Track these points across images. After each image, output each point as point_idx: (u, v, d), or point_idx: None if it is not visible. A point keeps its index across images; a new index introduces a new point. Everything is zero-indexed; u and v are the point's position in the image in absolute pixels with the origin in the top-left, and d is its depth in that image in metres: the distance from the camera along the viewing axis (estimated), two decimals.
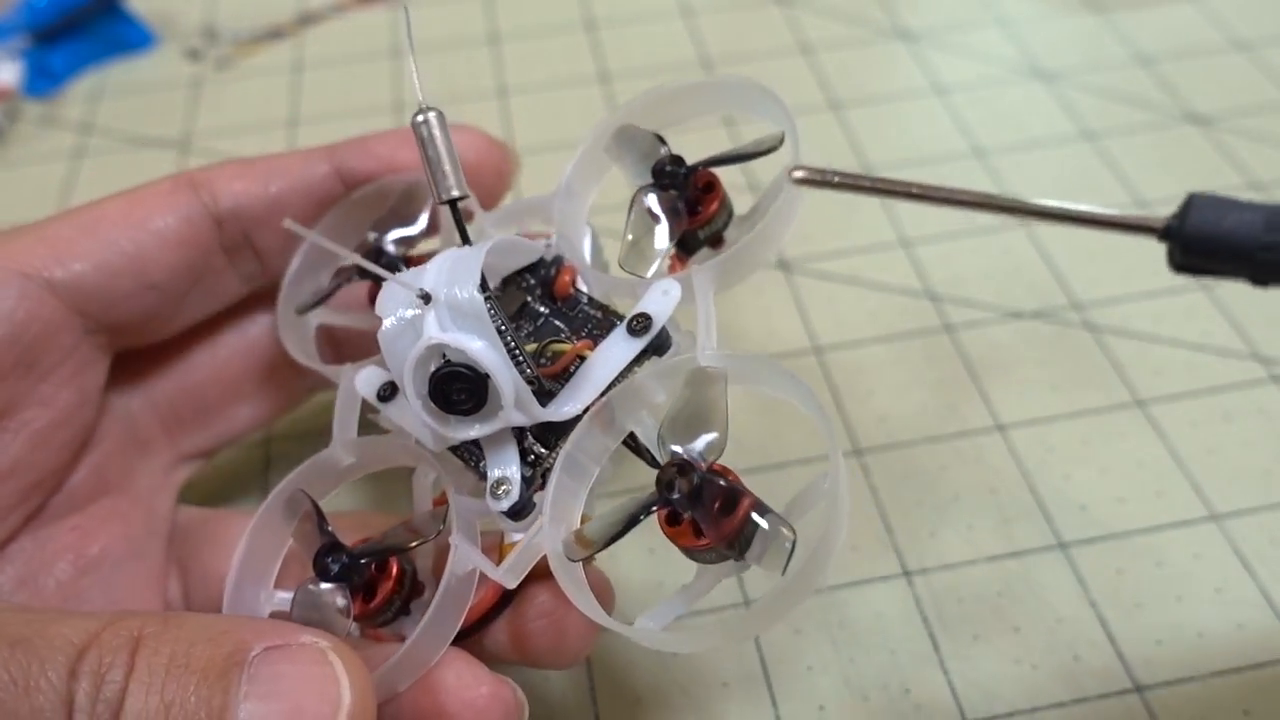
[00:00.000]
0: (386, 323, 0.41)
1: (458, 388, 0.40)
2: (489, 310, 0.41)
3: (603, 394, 0.43)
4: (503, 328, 0.42)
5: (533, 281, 0.48)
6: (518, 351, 0.42)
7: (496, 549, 0.43)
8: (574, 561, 0.40)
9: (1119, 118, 0.68)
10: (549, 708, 0.50)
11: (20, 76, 0.69)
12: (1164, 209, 0.37)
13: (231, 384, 0.53)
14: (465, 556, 0.41)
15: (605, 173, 0.51)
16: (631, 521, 0.39)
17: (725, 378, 0.41)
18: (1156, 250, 0.37)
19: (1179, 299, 0.59)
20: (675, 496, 0.38)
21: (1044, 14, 0.75)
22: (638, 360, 0.44)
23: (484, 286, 0.42)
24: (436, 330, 0.40)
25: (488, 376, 0.40)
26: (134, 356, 0.51)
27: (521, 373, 0.42)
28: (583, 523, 0.42)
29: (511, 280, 0.49)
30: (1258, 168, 0.65)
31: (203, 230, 0.49)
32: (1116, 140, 0.67)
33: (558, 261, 0.47)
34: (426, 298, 0.41)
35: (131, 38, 0.75)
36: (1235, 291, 0.57)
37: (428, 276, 0.41)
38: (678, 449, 0.39)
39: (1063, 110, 0.69)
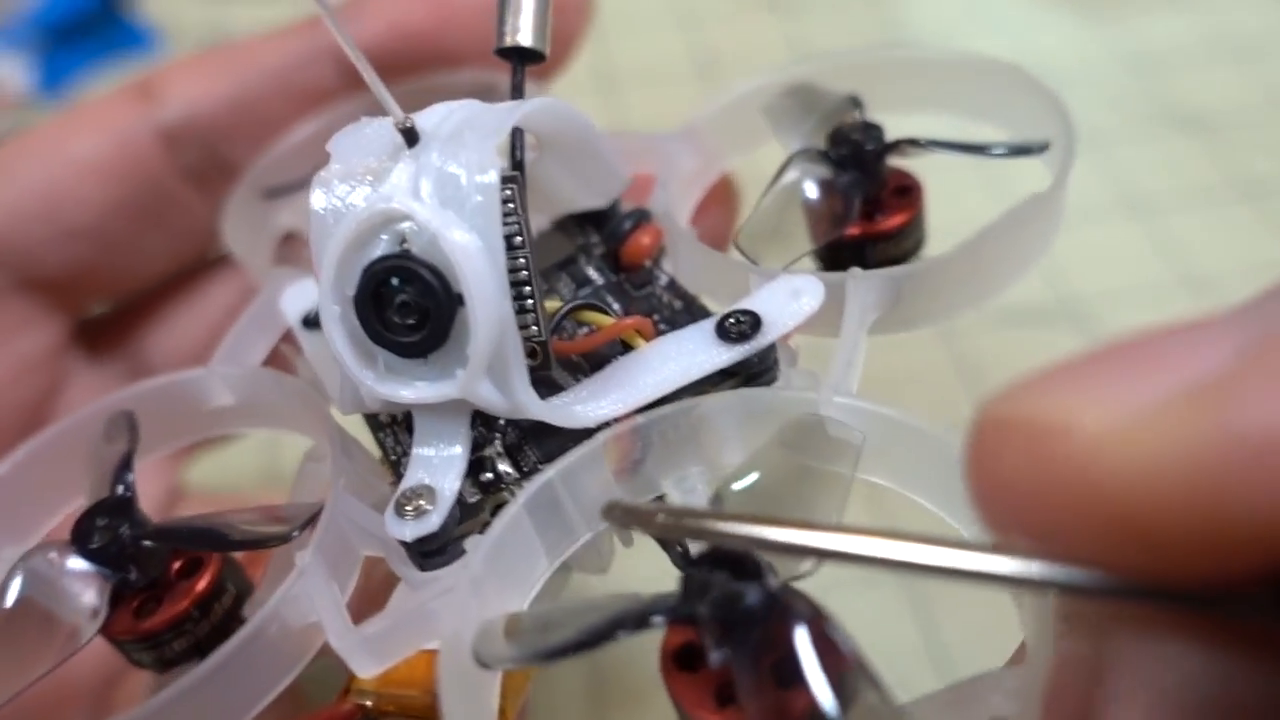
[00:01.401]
0: (328, 190, 0.24)
1: (407, 296, 0.23)
2: (506, 201, 0.24)
3: (646, 408, 0.25)
4: (519, 241, 0.24)
5: (594, 238, 0.31)
6: (529, 291, 0.24)
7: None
8: (484, 668, 0.21)
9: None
10: None
11: (28, 80, 0.66)
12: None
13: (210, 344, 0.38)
14: (307, 593, 0.23)
15: (747, 135, 0.34)
16: (607, 632, 0.20)
17: (858, 448, 0.23)
18: None
19: None
20: (708, 616, 0.20)
21: (1044, 23, 0.70)
22: (717, 379, 0.26)
23: (517, 167, 0.25)
24: (406, 195, 0.23)
25: (460, 298, 0.23)
26: (114, 322, 0.38)
27: (522, 325, 0.24)
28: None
29: (567, 226, 0.31)
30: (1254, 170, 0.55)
31: (144, 155, 0.35)
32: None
33: (639, 217, 0.30)
34: (411, 137, 0.23)
35: (138, 41, 0.71)
36: None
37: (426, 117, 0.24)
38: None
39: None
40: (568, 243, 0.31)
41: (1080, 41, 0.67)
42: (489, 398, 0.24)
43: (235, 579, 0.27)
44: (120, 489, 0.26)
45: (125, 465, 0.27)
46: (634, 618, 0.20)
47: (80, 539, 0.25)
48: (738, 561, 0.21)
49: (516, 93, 0.28)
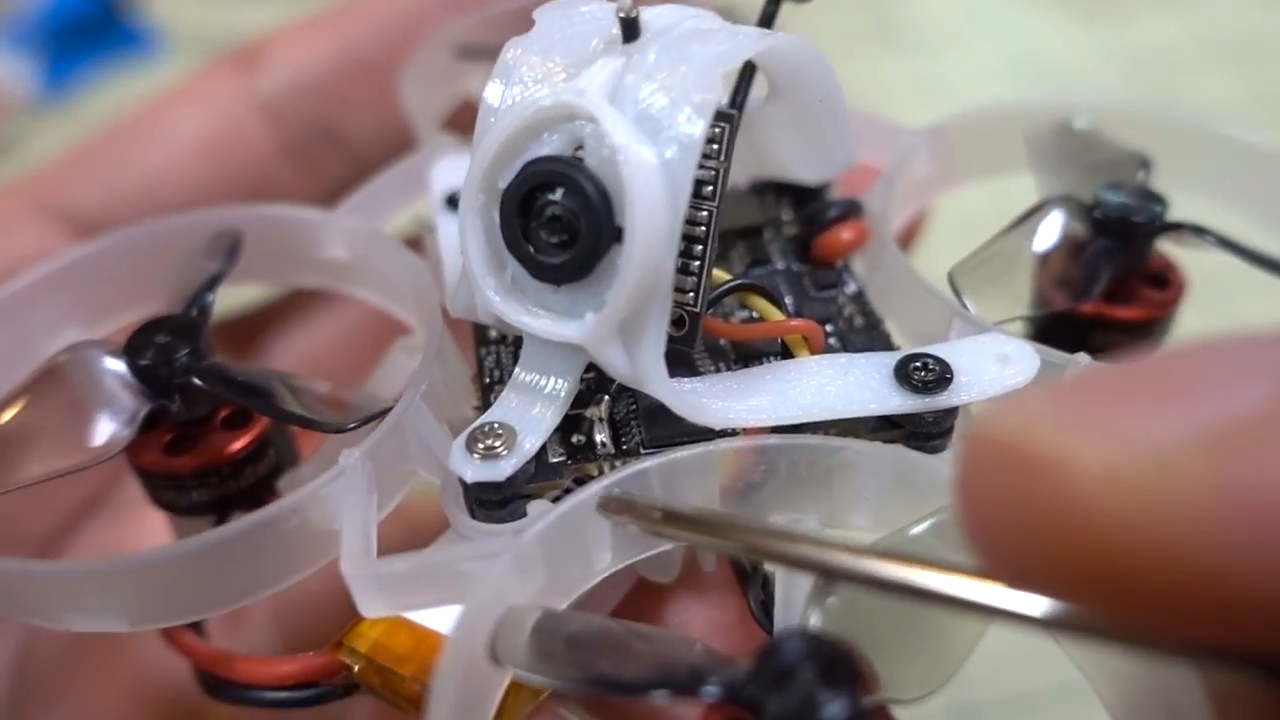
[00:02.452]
0: (508, 78, 0.20)
1: (560, 210, 0.19)
2: (711, 140, 0.19)
3: (788, 429, 0.21)
4: (710, 191, 0.20)
5: (789, 214, 0.27)
6: (700, 251, 0.20)
7: None
8: (495, 665, 0.17)
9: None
10: None
11: (31, 82, 0.64)
12: None
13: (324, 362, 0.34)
14: (340, 496, 0.20)
15: (999, 155, 0.29)
16: (645, 687, 0.16)
17: None
18: None
19: None
20: (775, 715, 0.16)
21: (1042, 25, 0.69)
22: (875, 424, 0.21)
23: (736, 105, 0.21)
24: (601, 94, 0.19)
25: (619, 233, 0.19)
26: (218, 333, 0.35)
27: (679, 287, 0.20)
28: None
29: (764, 192, 0.27)
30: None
31: (246, 132, 0.32)
32: None
33: (848, 209, 0.26)
34: (630, 30, 0.20)
35: (141, 43, 0.69)
36: None
37: (654, 14, 0.20)
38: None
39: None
40: (758, 210, 0.27)
41: (1079, 43, 0.67)
42: (612, 357, 0.20)
43: (281, 446, 0.24)
44: (194, 311, 0.23)
45: (209, 286, 0.24)
46: (684, 681, 0.16)
47: (132, 350, 0.22)
48: (832, 657, 0.16)
49: (766, 20, 0.23)
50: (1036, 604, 0.14)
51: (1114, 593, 0.13)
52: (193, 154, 0.31)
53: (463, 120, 0.33)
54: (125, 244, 0.26)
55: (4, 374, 0.25)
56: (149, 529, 0.26)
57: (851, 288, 0.25)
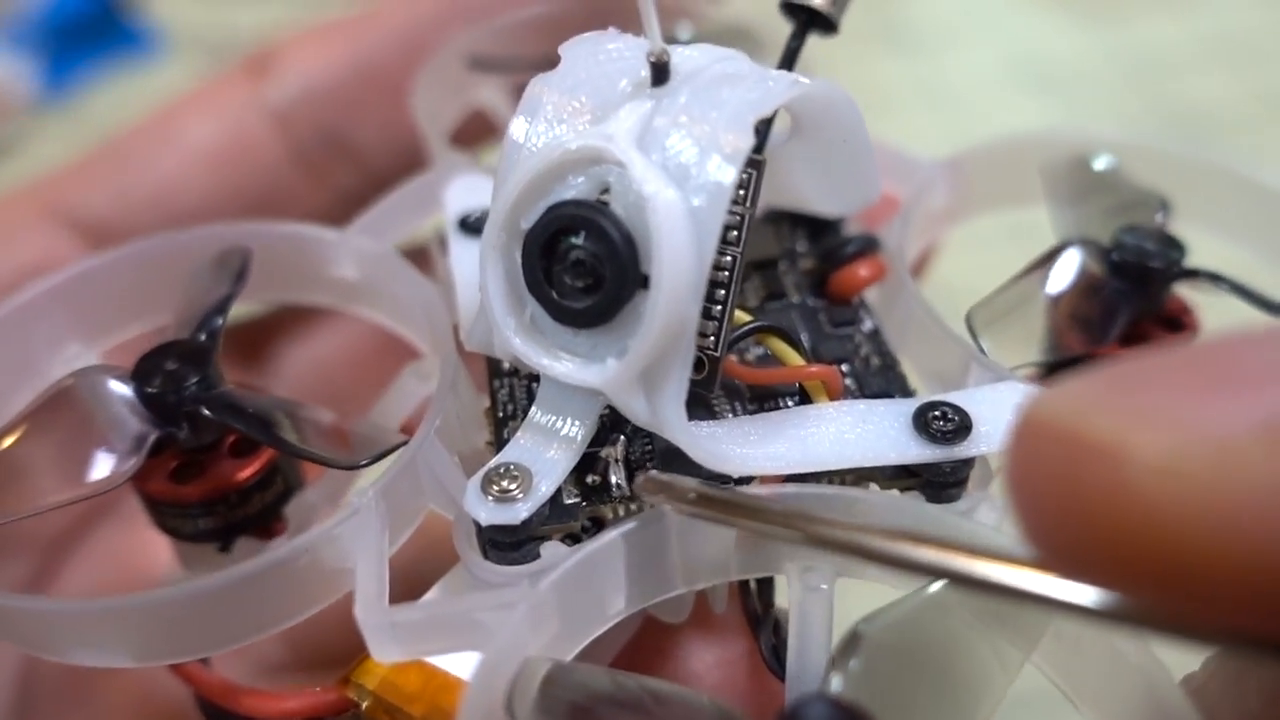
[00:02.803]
0: (533, 116, 0.20)
1: (584, 255, 0.19)
2: (739, 186, 0.19)
3: (802, 477, 0.20)
4: (735, 236, 0.20)
5: (805, 246, 0.27)
6: (723, 296, 0.20)
7: None
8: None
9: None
10: None
11: (31, 82, 0.64)
12: None
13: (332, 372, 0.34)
14: (352, 537, 0.20)
15: (1015, 187, 0.29)
16: None
17: (1044, 631, 0.18)
18: None
19: None
20: None
21: (1042, 26, 0.70)
22: (891, 472, 0.21)
23: (759, 148, 0.21)
24: (629, 140, 0.19)
25: (645, 281, 0.18)
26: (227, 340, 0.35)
27: (700, 331, 0.20)
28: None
29: (780, 222, 0.27)
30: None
31: (256, 140, 0.32)
32: None
33: (865, 244, 0.26)
34: (660, 74, 0.19)
35: (140, 43, 0.69)
36: None
37: (684, 56, 0.20)
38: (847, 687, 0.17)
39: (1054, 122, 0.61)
40: (774, 242, 0.27)
41: (1079, 43, 0.67)
42: (633, 403, 0.20)
43: (288, 471, 0.24)
44: (203, 336, 0.23)
45: (219, 309, 0.24)
46: None
47: (141, 377, 0.22)
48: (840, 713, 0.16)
49: (788, 58, 0.23)
50: (1087, 594, 0.13)
51: (1169, 585, 0.12)
52: (203, 161, 0.31)
53: (471, 132, 0.33)
54: (131, 258, 0.26)
55: (5, 390, 0.25)
56: (157, 536, 0.26)
57: (868, 325, 0.25)
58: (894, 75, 0.68)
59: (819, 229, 0.27)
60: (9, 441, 0.21)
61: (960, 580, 0.15)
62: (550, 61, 0.21)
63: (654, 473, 0.20)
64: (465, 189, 0.27)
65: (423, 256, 0.27)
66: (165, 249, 0.26)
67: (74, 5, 0.66)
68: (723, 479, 0.21)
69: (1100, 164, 0.27)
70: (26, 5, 0.65)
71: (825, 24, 0.23)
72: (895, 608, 0.18)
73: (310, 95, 0.32)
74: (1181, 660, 0.19)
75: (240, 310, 0.34)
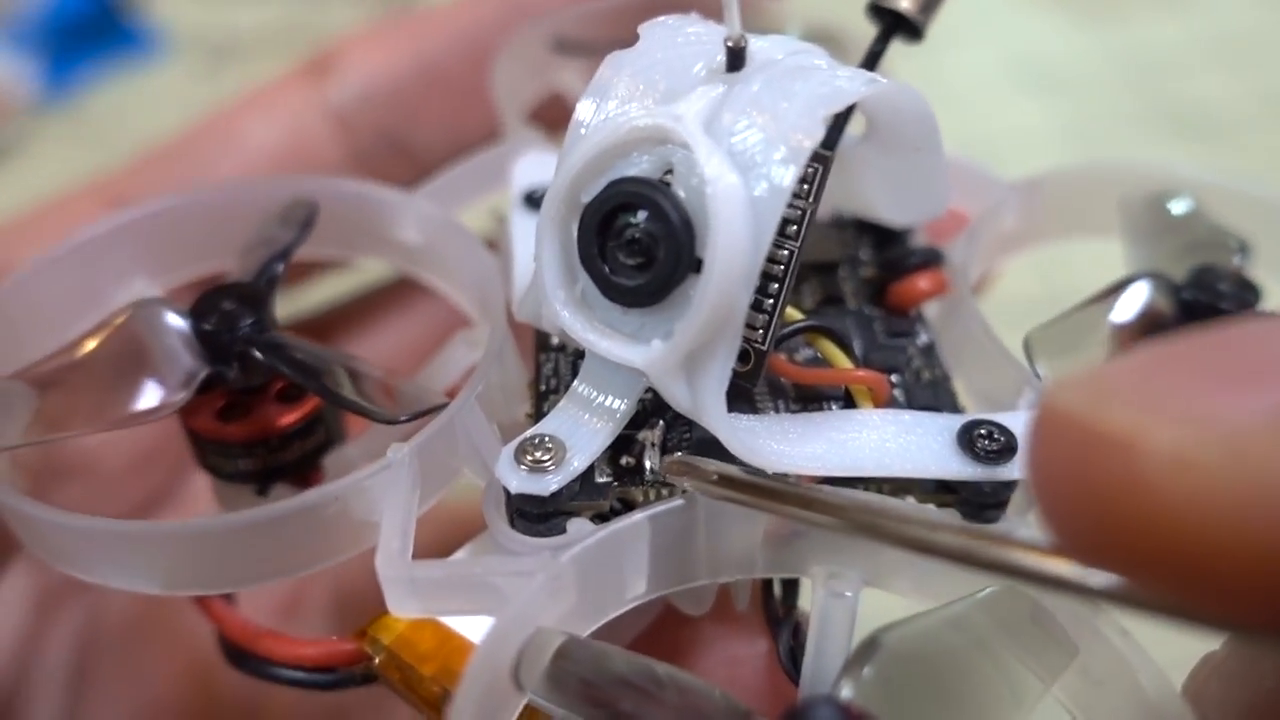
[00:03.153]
0: (601, 97, 0.20)
1: (640, 234, 0.19)
2: (803, 180, 0.19)
3: (839, 481, 0.20)
4: (794, 230, 0.20)
5: (867, 253, 0.26)
6: (776, 289, 0.20)
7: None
8: (517, 689, 0.17)
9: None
10: None
11: (32, 82, 0.65)
12: None
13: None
14: (382, 490, 0.20)
15: (1092, 217, 0.28)
16: None
17: (1070, 660, 0.18)
18: None
19: None
20: None
21: (1041, 27, 0.70)
22: (937, 489, 0.21)
23: (829, 145, 0.21)
24: (697, 122, 0.19)
25: (699, 264, 0.18)
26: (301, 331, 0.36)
27: (749, 323, 0.20)
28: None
29: (844, 227, 0.27)
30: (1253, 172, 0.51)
31: (316, 142, 0.32)
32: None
33: (929, 257, 0.25)
34: (736, 59, 0.19)
35: (141, 44, 0.70)
36: None
37: (762, 44, 0.20)
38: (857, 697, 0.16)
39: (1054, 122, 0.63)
40: (836, 246, 0.26)
41: (1078, 44, 0.67)
42: (674, 387, 0.19)
43: (331, 423, 0.24)
44: (264, 280, 0.23)
45: (281, 255, 0.24)
46: None
47: (198, 314, 0.22)
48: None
49: (870, 60, 0.23)
50: (1103, 579, 0.13)
51: (1181, 575, 0.13)
52: (263, 162, 0.31)
53: (549, 114, 0.33)
54: (203, 202, 0.27)
55: (71, 317, 0.25)
56: None
57: (923, 339, 0.24)
58: (893, 76, 0.70)
59: (885, 238, 0.26)
60: (64, 363, 0.22)
61: (962, 559, 0.15)
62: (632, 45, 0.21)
63: (681, 454, 0.20)
64: (533, 165, 0.27)
65: (492, 247, 0.27)
66: (236, 196, 0.27)
67: (74, 6, 0.66)
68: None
69: (1178, 208, 0.27)
70: (27, 5, 0.66)
71: (910, 29, 0.23)
72: (916, 620, 0.18)
73: (371, 96, 0.32)
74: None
75: (301, 304, 0.35)
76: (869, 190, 0.25)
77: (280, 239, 0.24)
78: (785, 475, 0.20)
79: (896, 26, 0.23)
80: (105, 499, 0.30)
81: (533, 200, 0.26)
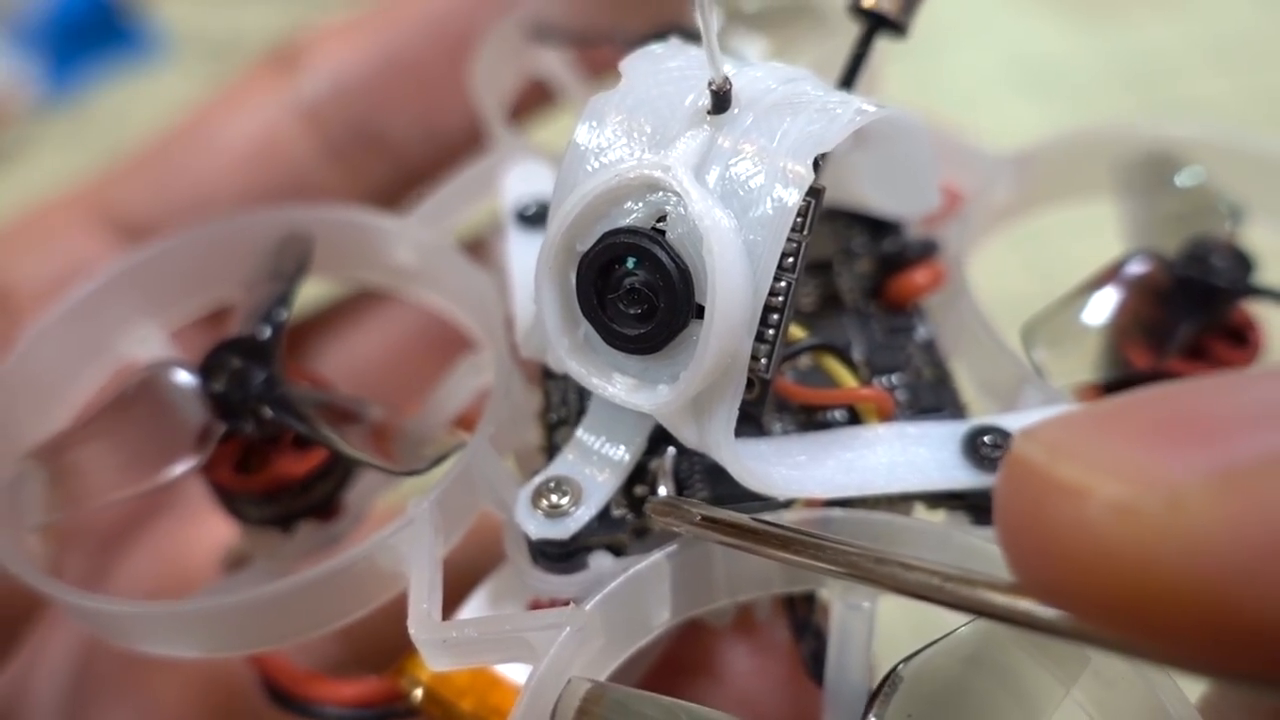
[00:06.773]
0: (598, 126, 0.20)
1: (639, 283, 0.19)
2: (803, 215, 0.19)
3: (845, 502, 0.21)
4: (791, 263, 0.20)
5: (862, 245, 0.26)
6: (776, 320, 0.20)
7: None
8: None
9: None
10: None
11: (35, 83, 0.64)
12: None
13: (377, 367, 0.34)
14: (407, 545, 0.20)
15: (1083, 183, 0.28)
16: None
17: (1082, 670, 0.19)
18: None
19: None
20: None
21: (1039, 28, 0.68)
22: (945, 497, 0.21)
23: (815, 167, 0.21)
24: (687, 168, 0.19)
25: (699, 311, 0.19)
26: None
27: (752, 354, 0.20)
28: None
29: (837, 219, 0.27)
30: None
31: (286, 139, 0.32)
32: None
33: (924, 250, 0.25)
34: (721, 102, 0.19)
35: (144, 44, 0.69)
36: None
37: (748, 79, 0.20)
38: None
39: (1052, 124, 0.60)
40: (830, 240, 0.26)
41: (1078, 45, 0.67)
42: (682, 429, 0.20)
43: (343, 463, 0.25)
44: (268, 330, 0.23)
45: (282, 301, 0.24)
46: None
47: (207, 373, 0.23)
48: None
49: (855, 62, 0.23)
50: (1058, 615, 0.14)
51: (1125, 616, 0.13)
52: (238, 161, 0.31)
53: (529, 102, 0.33)
54: (199, 240, 0.27)
55: (80, 370, 0.26)
56: (215, 530, 0.27)
57: (921, 334, 0.25)
58: (892, 76, 0.69)
59: (877, 228, 0.26)
60: (81, 435, 0.22)
61: (934, 599, 0.16)
62: (610, 33, 0.20)
63: (663, 494, 0.21)
64: (523, 177, 0.27)
65: (479, 245, 0.27)
66: (232, 232, 0.27)
67: (76, 7, 0.66)
68: (769, 499, 0.21)
69: (1183, 181, 0.27)
70: (29, 7, 0.65)
71: (893, 28, 0.23)
72: (935, 647, 0.18)
73: (341, 90, 0.32)
74: None
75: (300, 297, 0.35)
76: (859, 188, 0.25)
77: (279, 281, 0.25)
78: (791, 501, 0.21)
79: (878, 25, 0.23)
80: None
81: (525, 218, 0.26)
